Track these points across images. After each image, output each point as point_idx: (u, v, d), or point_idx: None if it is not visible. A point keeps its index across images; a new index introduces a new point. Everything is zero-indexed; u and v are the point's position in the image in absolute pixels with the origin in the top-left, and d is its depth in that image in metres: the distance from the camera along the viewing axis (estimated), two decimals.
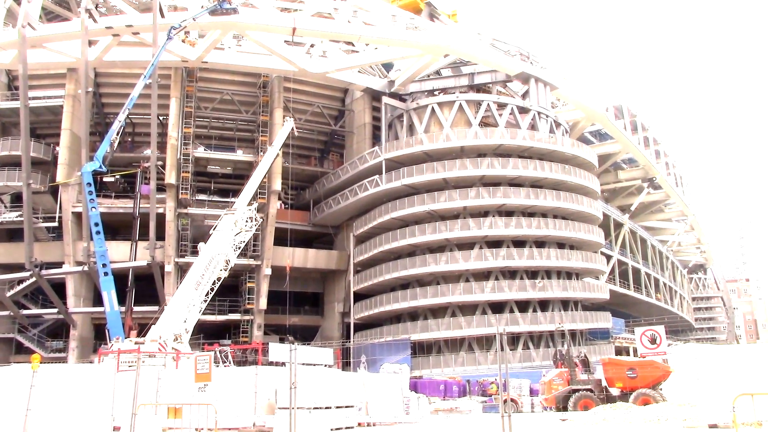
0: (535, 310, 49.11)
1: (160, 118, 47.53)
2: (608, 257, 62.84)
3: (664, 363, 30.15)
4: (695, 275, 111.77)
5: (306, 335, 55.99)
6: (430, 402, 33.84)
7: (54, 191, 47.75)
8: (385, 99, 53.79)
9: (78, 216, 45.79)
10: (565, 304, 51.70)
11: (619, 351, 54.93)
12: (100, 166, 34.66)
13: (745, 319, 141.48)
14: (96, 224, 34.16)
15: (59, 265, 45.30)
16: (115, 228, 47.69)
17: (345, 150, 58.45)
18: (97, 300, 42.36)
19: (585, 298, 53.82)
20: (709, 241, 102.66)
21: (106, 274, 34.05)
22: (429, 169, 49.04)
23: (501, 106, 52.95)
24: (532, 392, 36.86)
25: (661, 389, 27.78)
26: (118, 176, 47.51)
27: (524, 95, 55.30)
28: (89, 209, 34.54)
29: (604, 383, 29.35)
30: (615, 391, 28.65)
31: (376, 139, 54.90)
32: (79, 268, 44.02)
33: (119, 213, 46.68)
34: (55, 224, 47.64)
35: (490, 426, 21.21)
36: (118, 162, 46.38)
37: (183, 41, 46.37)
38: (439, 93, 55.63)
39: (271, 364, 31.42)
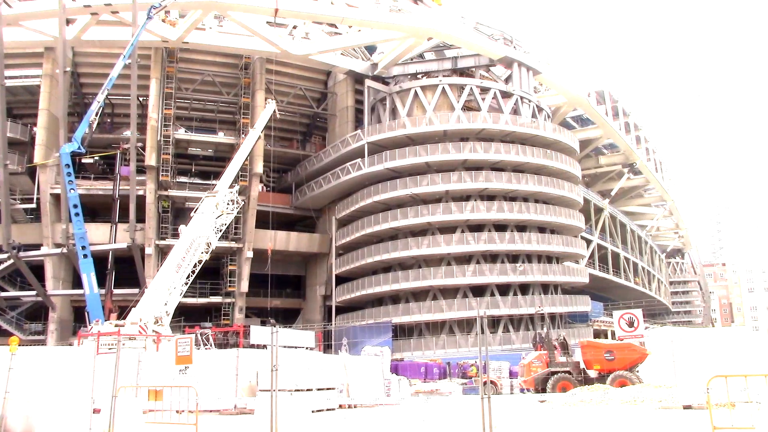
0: (515, 294, 49.54)
1: (140, 99, 47.00)
2: (588, 242, 63.45)
3: (641, 346, 30.64)
4: (673, 260, 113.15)
5: (287, 318, 56.06)
6: (411, 384, 34.09)
7: (32, 172, 47.13)
8: (368, 82, 53.57)
9: (56, 197, 45.27)
10: (545, 287, 52.20)
11: (597, 334, 55.67)
12: (79, 147, 34.24)
13: (720, 303, 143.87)
14: (75, 206, 33.81)
15: (37, 247, 44.84)
16: (95, 210, 47.26)
17: (327, 133, 58.26)
18: (77, 282, 42.05)
19: (565, 282, 54.34)
20: (687, 227, 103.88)
21: (85, 256, 33.77)
22: (411, 153, 49.04)
23: (484, 90, 53.03)
24: (512, 374, 37.25)
25: (637, 371, 28.22)
26: (97, 158, 47.16)
27: (507, 80, 55.34)
28: (68, 191, 34.16)
29: (582, 365, 29.72)
30: (593, 374, 29.04)
31: (358, 122, 54.74)
32: (58, 250, 43.57)
33: (98, 195, 46.29)
34: (33, 206, 47.13)
35: (469, 407, 21.45)
36: (97, 143, 45.84)
37: (163, 21, 45.71)
38: (422, 76, 55.47)
39: (252, 346, 31.41)
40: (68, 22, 42.81)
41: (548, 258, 52.94)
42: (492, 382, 32.88)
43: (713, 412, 9.32)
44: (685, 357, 17.92)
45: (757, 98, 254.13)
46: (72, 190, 33.89)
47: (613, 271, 73.20)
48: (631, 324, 35.38)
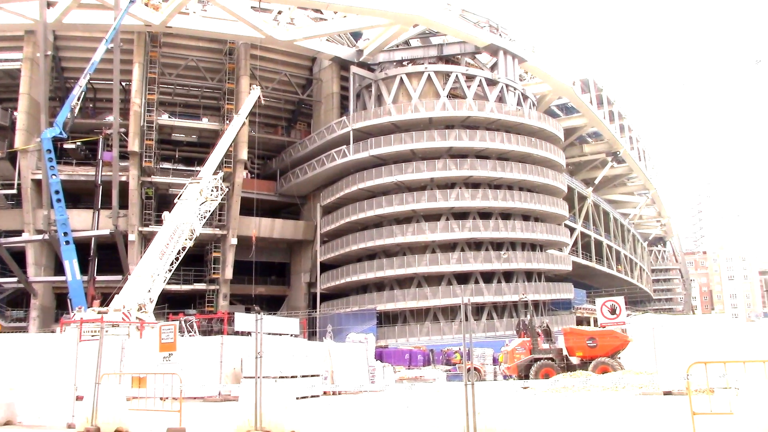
0: (499, 281, 49.83)
1: (123, 83, 46.49)
2: (572, 229, 63.78)
3: (623, 333, 30.92)
4: (655, 248, 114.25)
5: (272, 305, 56.00)
6: (396, 371, 34.26)
7: (12, 158, 46.49)
8: (354, 68, 53.32)
9: (38, 183, 44.76)
10: (529, 275, 52.52)
11: (580, 321, 56.11)
12: (61, 132, 33.95)
13: (701, 291, 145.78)
14: (56, 192, 33.56)
15: (18, 233, 44.42)
16: (77, 196, 46.80)
17: (312, 119, 57.99)
18: (59, 269, 41.72)
19: (548, 270, 54.71)
20: (669, 215, 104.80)
21: (67, 242, 33.58)
22: (397, 140, 48.99)
23: (469, 77, 52.97)
24: (495, 361, 37.53)
25: (619, 358, 28.51)
26: (79, 143, 46.69)
27: (493, 67, 55.32)
28: (49, 176, 33.90)
29: (565, 352, 29.97)
30: (575, 360, 29.29)
31: (343, 109, 54.52)
32: (40, 237, 43.19)
33: (81, 181, 45.85)
34: (14, 192, 46.57)
35: (453, 394, 21.60)
36: (79, 128, 45.37)
37: (146, 5, 45.14)
38: (407, 63, 55.33)
39: (236, 333, 31.43)
40: (49, 4, 42.21)
41: (532, 246, 53.25)
42: (476, 368, 33.14)
43: (693, 398, 9.45)
44: (665, 344, 18.15)
45: (739, 89, 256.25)
46: (54, 176, 33.62)
47: (596, 258, 73.75)
48: (613, 311, 35.68)
